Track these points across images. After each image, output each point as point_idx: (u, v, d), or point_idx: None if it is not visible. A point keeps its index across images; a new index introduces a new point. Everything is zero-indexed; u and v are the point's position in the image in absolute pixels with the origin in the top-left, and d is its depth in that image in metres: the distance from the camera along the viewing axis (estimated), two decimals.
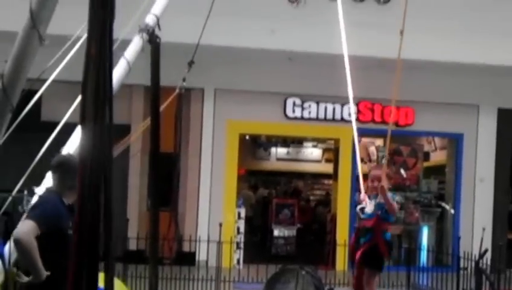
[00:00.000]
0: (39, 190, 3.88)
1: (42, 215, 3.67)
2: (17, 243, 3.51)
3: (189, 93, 10.92)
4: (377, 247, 5.44)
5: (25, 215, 3.71)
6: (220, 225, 9.21)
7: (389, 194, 5.44)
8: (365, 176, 5.86)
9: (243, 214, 11.61)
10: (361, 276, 5.55)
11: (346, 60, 5.71)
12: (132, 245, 9.41)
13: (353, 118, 6.64)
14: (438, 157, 13.62)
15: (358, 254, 5.51)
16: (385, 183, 5.34)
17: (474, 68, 10.74)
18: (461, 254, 9.54)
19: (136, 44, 4.00)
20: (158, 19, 4.21)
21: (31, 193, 3.85)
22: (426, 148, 13.62)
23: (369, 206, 5.48)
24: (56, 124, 4.17)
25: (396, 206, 5.54)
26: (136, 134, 6.55)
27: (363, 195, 5.55)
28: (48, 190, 3.93)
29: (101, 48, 1.86)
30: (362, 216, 5.55)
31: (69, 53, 3.92)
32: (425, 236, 12.45)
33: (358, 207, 5.61)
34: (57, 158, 3.93)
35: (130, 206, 11.30)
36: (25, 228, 3.55)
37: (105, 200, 1.98)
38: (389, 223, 5.64)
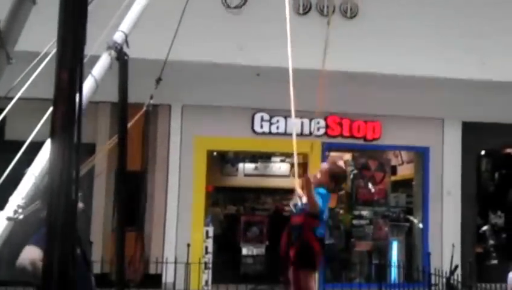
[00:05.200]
0: (1, 215, 3.69)
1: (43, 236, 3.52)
2: (24, 272, 3.37)
3: (156, 109, 10.75)
4: (308, 245, 5.14)
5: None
6: (188, 245, 9.03)
7: (315, 193, 5.08)
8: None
9: (211, 233, 11.40)
10: (299, 277, 5.23)
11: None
12: (96, 269, 9.14)
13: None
14: (405, 171, 13.68)
15: (292, 254, 5.20)
16: (312, 177, 5.05)
17: (437, 82, 10.84)
18: (432, 270, 9.53)
19: (103, 62, 3.84)
20: (126, 36, 4.07)
21: None
22: (393, 162, 13.68)
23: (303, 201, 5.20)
24: (20, 143, 4.00)
25: (316, 201, 5.10)
26: (102, 152, 6.37)
27: (300, 191, 5.27)
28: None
29: (71, 66, 1.75)
30: (294, 211, 5.27)
31: (34, 70, 3.76)
32: (394, 251, 12.44)
33: (291, 203, 5.38)
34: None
35: (94, 228, 10.96)
36: (30, 254, 3.42)
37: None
38: (317, 220, 5.24)
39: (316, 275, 5.50)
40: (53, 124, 1.86)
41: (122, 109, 4.48)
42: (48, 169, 1.91)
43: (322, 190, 5.21)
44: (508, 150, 13.85)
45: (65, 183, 1.87)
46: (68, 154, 1.86)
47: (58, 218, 1.87)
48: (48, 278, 1.83)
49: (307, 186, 4.99)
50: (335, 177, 5.30)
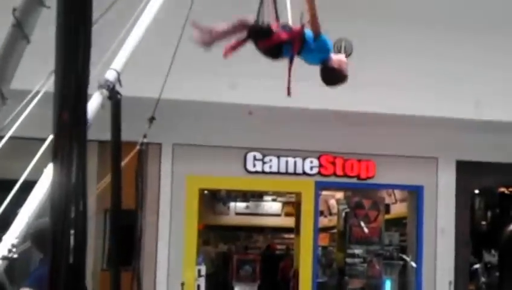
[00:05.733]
0: None
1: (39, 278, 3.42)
2: None
3: (146, 148, 10.62)
4: (274, 40, 4.34)
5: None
6: (182, 284, 8.88)
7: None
8: None
9: (203, 272, 11.26)
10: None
11: None
12: None
13: None
14: (398, 209, 13.61)
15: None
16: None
17: (432, 121, 10.83)
18: None
19: (95, 101, 3.74)
20: (119, 75, 3.97)
21: None
22: (387, 200, 13.62)
23: None
24: (8, 182, 3.89)
25: (319, 23, 4.26)
26: (97, 192, 6.25)
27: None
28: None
29: (74, 107, 1.65)
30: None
31: (23, 109, 3.67)
32: None
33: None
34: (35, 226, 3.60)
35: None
36: None
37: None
38: (301, 44, 4.36)
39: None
40: (54, 157, 1.74)
41: (115, 148, 4.38)
42: (50, 205, 1.77)
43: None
44: (502, 189, 13.83)
45: (69, 221, 1.72)
46: (71, 190, 1.73)
47: (62, 255, 1.70)
48: None
49: (310, 4, 4.21)
50: (333, 72, 4.50)
